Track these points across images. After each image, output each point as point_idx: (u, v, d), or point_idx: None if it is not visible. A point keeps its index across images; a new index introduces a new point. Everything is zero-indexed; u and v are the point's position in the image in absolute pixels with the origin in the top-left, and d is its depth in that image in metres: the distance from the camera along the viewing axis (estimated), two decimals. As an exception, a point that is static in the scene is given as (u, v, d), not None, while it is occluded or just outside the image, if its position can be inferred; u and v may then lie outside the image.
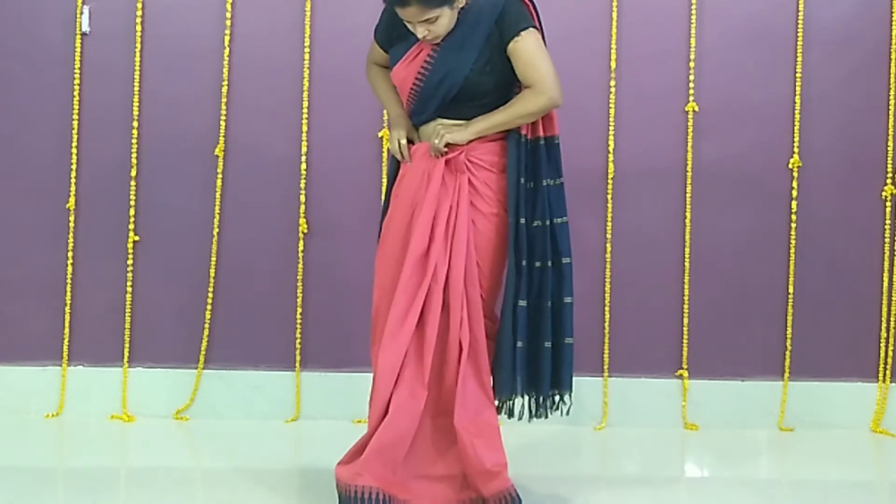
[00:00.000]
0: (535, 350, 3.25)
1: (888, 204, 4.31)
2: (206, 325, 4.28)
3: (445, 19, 3.11)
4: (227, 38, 4.25)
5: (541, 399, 3.28)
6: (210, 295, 4.27)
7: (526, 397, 3.28)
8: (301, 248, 4.28)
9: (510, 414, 3.29)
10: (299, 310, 4.28)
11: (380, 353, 3.13)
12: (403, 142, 3.27)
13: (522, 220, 3.19)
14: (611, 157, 4.27)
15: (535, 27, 3.18)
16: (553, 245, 3.23)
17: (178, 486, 3.56)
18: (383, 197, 3.43)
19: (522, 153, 3.20)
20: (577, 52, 4.20)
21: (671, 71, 4.28)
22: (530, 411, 3.30)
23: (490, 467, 3.08)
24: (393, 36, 3.27)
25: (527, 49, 3.15)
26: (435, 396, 3.15)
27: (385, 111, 3.45)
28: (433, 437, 3.16)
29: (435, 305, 3.12)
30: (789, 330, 4.31)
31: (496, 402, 3.27)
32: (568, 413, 3.31)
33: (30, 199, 4.28)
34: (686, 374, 4.30)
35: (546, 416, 3.31)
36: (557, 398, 3.29)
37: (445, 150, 3.18)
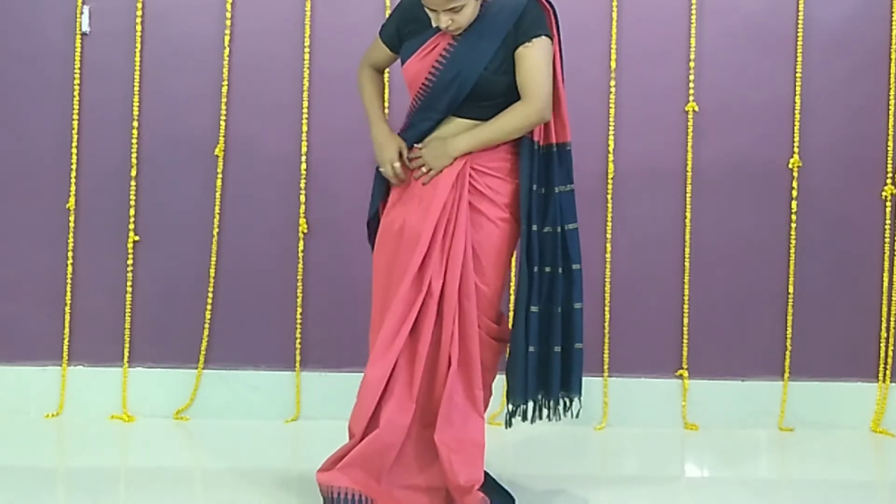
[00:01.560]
0: (545, 355, 3.25)
1: (888, 204, 4.31)
2: (206, 325, 4.28)
3: (469, 9, 3.09)
4: (227, 38, 4.25)
5: (550, 402, 3.29)
6: (210, 295, 4.27)
7: (537, 400, 3.29)
8: (301, 248, 4.28)
9: (524, 417, 3.29)
10: (299, 310, 4.28)
11: (368, 366, 3.14)
12: (398, 164, 3.20)
13: (535, 227, 3.19)
14: (611, 157, 4.27)
15: (548, 36, 3.15)
16: (564, 251, 3.23)
17: (178, 486, 3.57)
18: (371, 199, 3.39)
19: (535, 160, 3.20)
20: (577, 52, 4.19)
21: (671, 71, 4.28)
22: (540, 414, 3.31)
23: (463, 483, 3.08)
24: (404, 32, 3.25)
25: (533, 57, 3.12)
26: (423, 408, 3.16)
27: (369, 121, 3.33)
28: (419, 449, 3.17)
29: (429, 319, 3.12)
30: (789, 330, 4.31)
31: (510, 406, 3.28)
32: (577, 416, 3.33)
33: (30, 199, 4.28)
34: (686, 374, 4.30)
35: (559, 419, 3.32)
36: (567, 401, 3.30)
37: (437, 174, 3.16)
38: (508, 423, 3.32)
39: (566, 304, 3.24)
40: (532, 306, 3.20)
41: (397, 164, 3.20)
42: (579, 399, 3.29)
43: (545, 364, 3.25)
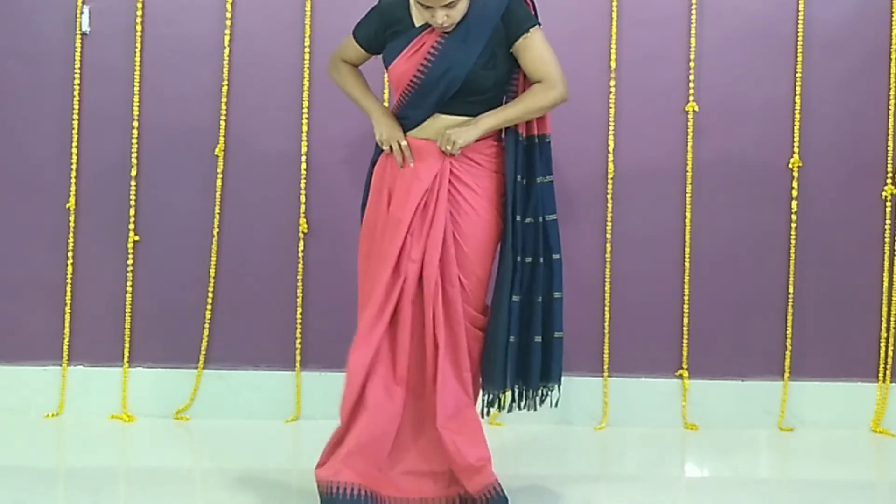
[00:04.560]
0: (525, 344, 3.29)
1: (888, 204, 4.30)
2: (206, 325, 4.28)
3: (463, 4, 3.12)
4: (227, 38, 4.25)
5: (530, 392, 3.33)
6: (210, 295, 4.27)
7: (515, 390, 3.32)
8: (301, 248, 4.28)
9: (500, 406, 3.32)
10: (299, 310, 4.28)
11: (352, 351, 3.17)
12: (405, 143, 3.23)
13: (518, 218, 3.23)
14: (611, 157, 4.27)
15: (539, 24, 3.22)
16: (545, 241, 3.28)
17: (178, 486, 3.57)
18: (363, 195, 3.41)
19: (520, 152, 3.24)
20: (577, 52, 4.19)
21: (671, 71, 4.28)
22: (518, 404, 3.34)
23: (473, 462, 3.12)
24: (386, 34, 3.25)
25: (537, 46, 3.19)
26: (416, 394, 3.20)
27: (364, 106, 3.36)
28: (417, 434, 3.21)
29: (407, 303, 3.17)
30: (789, 330, 4.31)
31: (488, 396, 3.31)
32: (556, 405, 3.35)
33: (30, 199, 4.28)
34: (686, 374, 4.30)
35: (535, 409, 3.36)
36: (546, 391, 3.34)
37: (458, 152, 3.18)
38: (486, 413, 3.34)
39: (546, 294, 3.29)
40: (514, 296, 3.24)
41: (404, 142, 3.22)
42: (559, 388, 3.33)
43: (525, 354, 3.29)
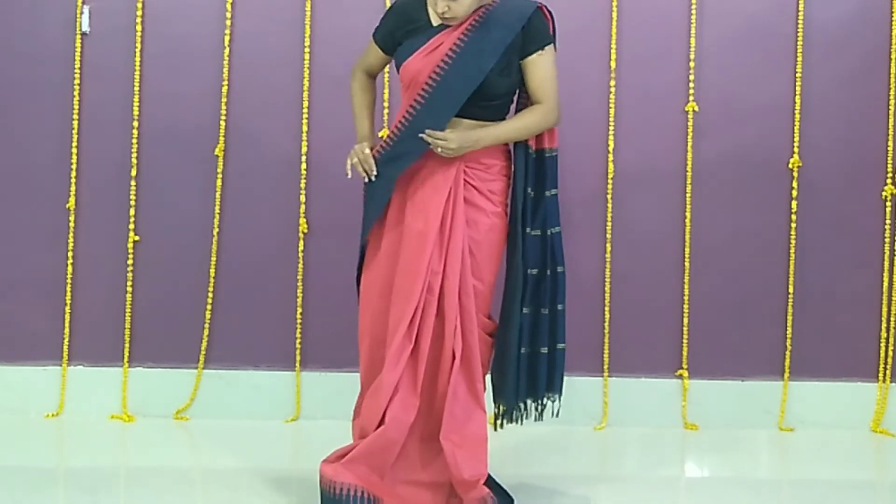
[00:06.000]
0: (533, 356, 3.31)
1: (888, 204, 4.30)
2: (206, 325, 4.28)
3: (468, 0, 3.11)
4: (227, 38, 4.25)
5: (536, 403, 3.34)
6: (210, 295, 4.27)
7: (525, 402, 3.34)
8: (301, 248, 4.28)
9: (510, 419, 3.34)
10: (299, 310, 4.28)
11: (386, 370, 3.14)
12: (368, 152, 3.21)
13: (528, 230, 3.24)
14: (611, 157, 4.27)
15: (554, 43, 3.22)
16: (551, 254, 3.28)
17: (178, 486, 3.57)
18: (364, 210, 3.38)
19: (529, 165, 3.25)
20: (577, 52, 4.20)
21: (671, 71, 4.28)
22: (527, 415, 3.35)
23: (468, 478, 3.12)
24: (400, 34, 3.24)
25: (546, 65, 3.20)
26: (427, 405, 3.19)
27: (357, 127, 3.36)
28: (423, 445, 3.21)
29: (430, 316, 3.16)
30: (789, 330, 4.31)
31: (501, 408, 3.33)
32: (558, 414, 3.36)
33: (30, 199, 4.28)
34: (686, 374, 4.30)
35: (541, 419, 3.37)
36: (549, 401, 3.35)
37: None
38: (500, 426, 3.37)
39: (552, 306, 3.30)
40: (524, 308, 3.26)
41: (368, 152, 3.21)
42: (559, 398, 3.35)
43: (533, 365, 3.31)
